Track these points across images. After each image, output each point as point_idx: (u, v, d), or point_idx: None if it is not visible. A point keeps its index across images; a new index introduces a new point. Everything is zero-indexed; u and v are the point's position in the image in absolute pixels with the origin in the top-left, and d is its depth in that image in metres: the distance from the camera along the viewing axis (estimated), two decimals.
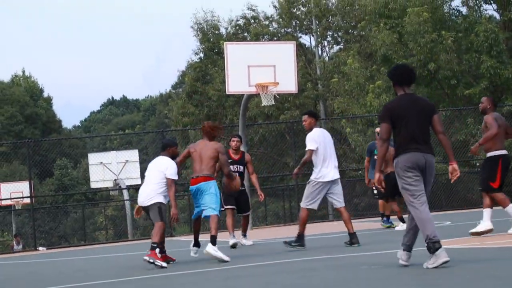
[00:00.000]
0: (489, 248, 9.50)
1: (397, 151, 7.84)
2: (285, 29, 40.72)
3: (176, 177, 10.97)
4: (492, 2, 30.48)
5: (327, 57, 40.81)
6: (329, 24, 39.54)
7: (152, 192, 10.92)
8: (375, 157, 15.09)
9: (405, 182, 7.75)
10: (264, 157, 36.54)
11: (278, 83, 18.81)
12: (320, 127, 13.82)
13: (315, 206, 11.63)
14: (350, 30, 39.61)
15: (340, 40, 40.61)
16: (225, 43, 20.24)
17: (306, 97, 36.73)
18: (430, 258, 7.67)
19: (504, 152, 11.09)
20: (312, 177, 11.68)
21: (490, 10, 32.12)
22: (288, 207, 28.73)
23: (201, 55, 41.10)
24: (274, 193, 29.26)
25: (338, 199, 11.71)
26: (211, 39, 40.09)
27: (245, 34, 40.67)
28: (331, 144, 11.81)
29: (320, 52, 40.57)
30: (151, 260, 10.44)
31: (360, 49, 36.70)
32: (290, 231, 17.64)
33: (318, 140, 11.61)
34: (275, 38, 39.38)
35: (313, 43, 40.56)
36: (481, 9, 30.64)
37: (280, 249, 11.88)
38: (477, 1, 30.25)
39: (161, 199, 10.93)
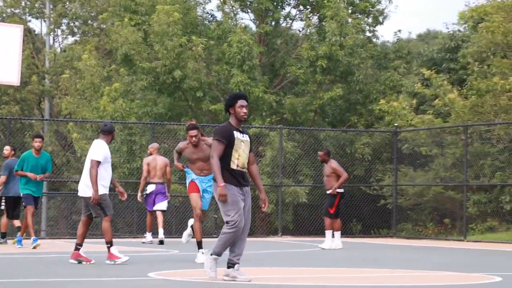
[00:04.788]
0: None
1: None
2: (12, 9, 40.65)
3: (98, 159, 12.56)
4: (249, 11, 32.31)
5: (59, 49, 41.18)
6: (65, 10, 39.93)
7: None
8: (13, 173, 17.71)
9: None
10: None
11: None
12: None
13: None
14: (89, 21, 40.26)
15: (76, 30, 41.15)
16: None
17: (29, 91, 36.87)
18: None
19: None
20: None
21: (246, 19, 34.10)
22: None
23: None
24: None
25: None
26: None
27: None
28: None
29: (51, 41, 40.85)
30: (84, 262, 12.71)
31: (99, 44, 37.46)
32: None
33: None
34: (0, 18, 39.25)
35: (44, 30, 40.82)
36: (237, 17, 32.42)
37: None
38: (234, 8, 31.99)
39: (102, 190, 12.54)
